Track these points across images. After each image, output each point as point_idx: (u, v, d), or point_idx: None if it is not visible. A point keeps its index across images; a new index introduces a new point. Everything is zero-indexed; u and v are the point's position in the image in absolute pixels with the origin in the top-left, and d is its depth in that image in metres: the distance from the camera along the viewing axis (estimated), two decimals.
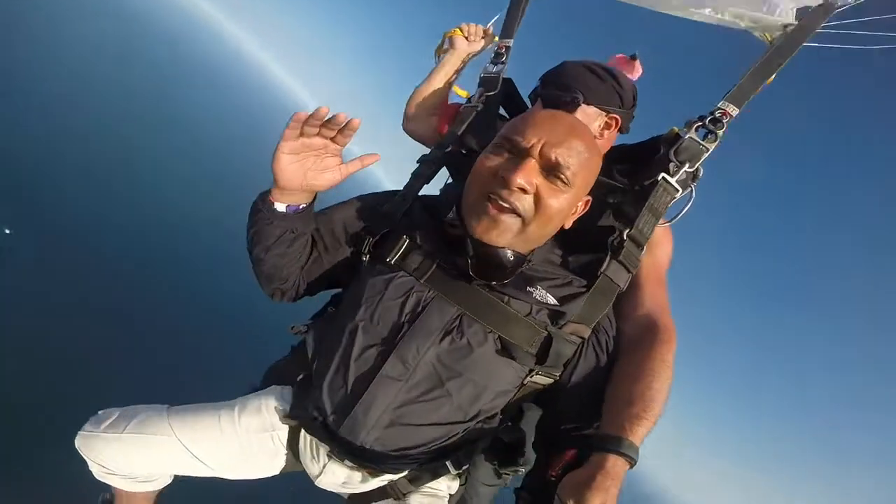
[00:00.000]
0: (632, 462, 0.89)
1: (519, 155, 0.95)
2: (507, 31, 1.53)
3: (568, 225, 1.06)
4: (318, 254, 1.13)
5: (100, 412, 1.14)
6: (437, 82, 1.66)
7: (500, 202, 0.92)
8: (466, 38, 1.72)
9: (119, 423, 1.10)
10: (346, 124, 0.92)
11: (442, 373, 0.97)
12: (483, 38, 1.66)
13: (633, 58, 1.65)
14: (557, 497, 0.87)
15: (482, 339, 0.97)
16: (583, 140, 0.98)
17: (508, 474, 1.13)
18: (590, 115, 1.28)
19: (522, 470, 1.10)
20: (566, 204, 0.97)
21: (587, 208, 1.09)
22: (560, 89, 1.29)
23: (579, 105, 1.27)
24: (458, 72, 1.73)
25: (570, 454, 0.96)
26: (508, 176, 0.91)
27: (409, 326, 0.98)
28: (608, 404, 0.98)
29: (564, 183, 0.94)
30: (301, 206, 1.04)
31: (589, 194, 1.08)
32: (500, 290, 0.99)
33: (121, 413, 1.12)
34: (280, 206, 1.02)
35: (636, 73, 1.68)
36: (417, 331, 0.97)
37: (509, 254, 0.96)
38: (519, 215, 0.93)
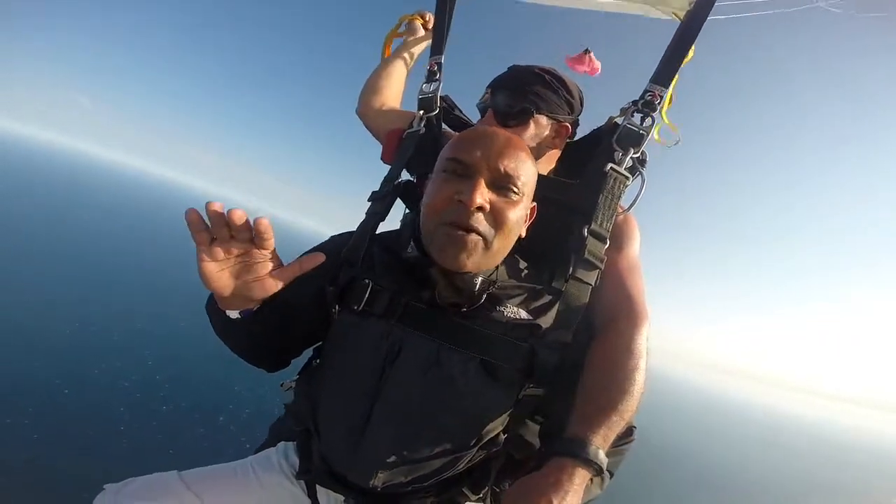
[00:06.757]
0: (594, 469, 0.82)
1: (467, 174, 0.95)
2: (436, 48, 1.48)
3: (524, 234, 1.06)
4: (291, 320, 1.07)
5: (106, 486, 1.05)
6: (394, 69, 1.64)
7: (462, 226, 0.92)
8: (425, 24, 1.72)
9: (133, 497, 1.01)
10: (256, 228, 0.77)
11: (431, 408, 0.97)
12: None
13: (587, 52, 1.62)
14: None
15: (464, 368, 0.96)
16: (521, 148, 1.00)
17: None
18: (542, 125, 1.28)
19: None
20: (521, 214, 0.99)
21: (535, 214, 1.10)
22: (511, 99, 1.27)
23: (532, 115, 1.26)
24: (414, 59, 1.71)
25: (530, 465, 0.92)
26: (464, 198, 0.91)
27: (389, 369, 0.97)
28: (574, 403, 0.92)
29: (516, 193, 0.96)
30: (256, 308, 0.94)
31: (541, 196, 1.09)
32: (471, 316, 0.98)
33: (125, 486, 1.04)
34: (233, 314, 0.93)
35: (594, 67, 1.61)
36: (398, 372, 0.97)
37: (476, 279, 0.97)
38: (480, 234, 0.93)
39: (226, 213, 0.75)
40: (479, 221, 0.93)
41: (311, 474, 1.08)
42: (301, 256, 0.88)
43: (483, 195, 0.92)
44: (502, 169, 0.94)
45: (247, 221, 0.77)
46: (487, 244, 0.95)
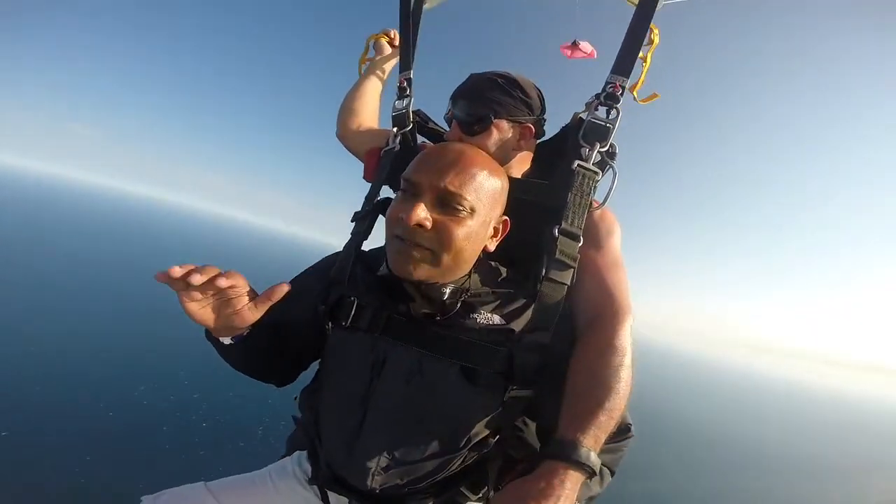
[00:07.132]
0: (586, 471, 0.84)
1: (413, 193, 0.99)
2: (404, 64, 1.52)
3: (491, 248, 1.09)
4: (285, 341, 1.16)
5: (143, 498, 1.16)
6: (367, 89, 1.68)
7: (407, 241, 0.97)
8: (391, 42, 1.75)
9: None
10: (217, 286, 0.86)
11: (416, 414, 1.02)
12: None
13: (575, 43, 1.61)
14: None
15: (444, 375, 1.01)
16: (473, 164, 1.00)
17: None
18: (504, 129, 1.31)
19: None
20: (472, 230, 0.99)
21: (508, 229, 1.11)
22: (471, 108, 1.31)
23: (492, 121, 1.29)
24: (386, 76, 1.74)
25: (521, 467, 0.94)
26: (404, 216, 0.95)
27: (377, 379, 1.04)
28: (563, 404, 0.93)
29: (462, 209, 0.97)
30: (246, 334, 1.03)
31: (515, 198, 1.11)
32: (448, 325, 1.03)
33: (158, 498, 1.15)
34: (226, 340, 1.02)
35: (589, 52, 1.61)
36: (384, 382, 1.04)
37: (445, 289, 1.02)
38: (425, 248, 0.97)
39: (184, 274, 0.83)
40: (422, 237, 0.96)
41: (320, 480, 1.16)
42: (269, 287, 0.96)
43: (421, 213, 0.95)
44: (445, 187, 0.96)
45: (209, 280, 0.86)
46: (434, 259, 0.98)
